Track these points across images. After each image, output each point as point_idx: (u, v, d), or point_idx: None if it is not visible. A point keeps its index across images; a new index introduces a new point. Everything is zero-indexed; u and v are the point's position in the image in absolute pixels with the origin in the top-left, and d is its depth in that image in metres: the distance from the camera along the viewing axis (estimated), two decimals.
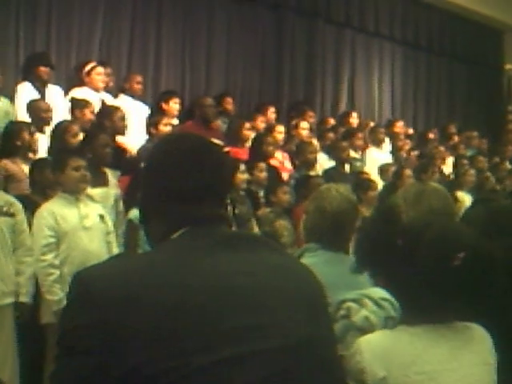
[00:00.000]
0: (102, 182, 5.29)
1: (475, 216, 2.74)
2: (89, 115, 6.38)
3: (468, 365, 1.81)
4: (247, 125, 7.54)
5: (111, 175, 5.45)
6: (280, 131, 7.86)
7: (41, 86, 6.65)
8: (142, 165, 1.78)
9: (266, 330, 1.37)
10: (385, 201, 5.56)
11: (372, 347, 1.76)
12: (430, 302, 1.80)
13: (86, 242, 4.55)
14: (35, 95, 6.51)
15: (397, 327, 1.85)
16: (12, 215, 4.53)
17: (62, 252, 4.50)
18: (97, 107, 6.72)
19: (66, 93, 6.95)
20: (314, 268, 1.59)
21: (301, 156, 7.46)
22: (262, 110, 8.50)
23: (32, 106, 6.20)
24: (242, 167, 6.02)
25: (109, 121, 6.24)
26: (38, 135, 5.55)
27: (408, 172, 7.56)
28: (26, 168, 5.20)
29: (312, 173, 7.10)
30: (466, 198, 7.36)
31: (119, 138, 6.41)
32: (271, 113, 8.56)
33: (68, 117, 6.43)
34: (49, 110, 6.17)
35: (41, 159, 5.29)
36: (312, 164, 7.40)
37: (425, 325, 1.81)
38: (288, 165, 7.64)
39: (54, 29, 7.72)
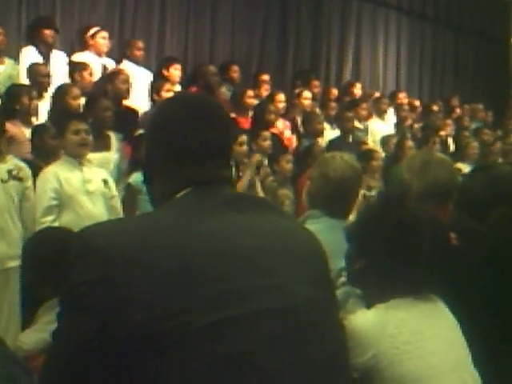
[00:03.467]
0: (104, 146, 5.29)
1: (475, 183, 2.73)
2: (88, 77, 6.28)
3: (444, 329, 1.88)
4: (250, 93, 7.46)
5: (115, 139, 5.42)
6: (280, 100, 7.75)
7: (45, 51, 6.57)
8: (145, 127, 1.76)
9: (268, 291, 1.36)
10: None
11: (357, 329, 1.79)
12: (398, 277, 1.88)
13: (90, 207, 4.56)
14: (39, 59, 6.44)
15: (372, 307, 1.89)
16: (20, 180, 4.57)
17: (65, 216, 4.49)
18: (98, 72, 6.64)
19: (70, 57, 6.88)
20: (317, 234, 1.59)
21: (308, 126, 7.42)
22: (258, 78, 8.40)
23: (31, 70, 6.07)
24: (243, 138, 5.82)
25: (111, 84, 6.17)
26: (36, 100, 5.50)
27: (409, 143, 7.53)
28: (26, 131, 5.20)
29: (317, 142, 7.05)
30: (467, 171, 7.32)
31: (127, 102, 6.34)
32: (266, 80, 8.42)
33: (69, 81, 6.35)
34: (47, 75, 6.03)
35: (40, 125, 5.29)
36: (319, 134, 7.36)
37: (396, 298, 1.87)
38: (288, 133, 7.57)
39: None
